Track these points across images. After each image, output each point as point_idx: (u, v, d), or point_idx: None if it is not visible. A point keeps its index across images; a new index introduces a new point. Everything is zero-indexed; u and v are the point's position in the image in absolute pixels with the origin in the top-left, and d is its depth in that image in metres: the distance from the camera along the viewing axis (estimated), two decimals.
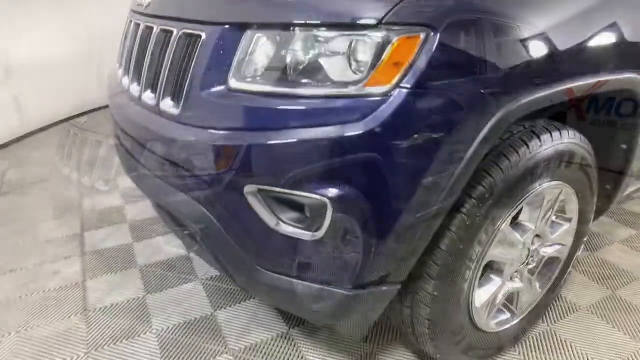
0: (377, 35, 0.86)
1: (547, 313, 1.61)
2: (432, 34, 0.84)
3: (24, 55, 3.21)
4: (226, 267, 1.12)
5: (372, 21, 0.85)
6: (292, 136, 0.90)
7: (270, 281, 1.06)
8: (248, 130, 0.95)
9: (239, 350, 1.40)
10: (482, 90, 0.89)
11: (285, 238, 0.99)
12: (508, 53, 0.91)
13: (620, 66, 1.15)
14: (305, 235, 0.96)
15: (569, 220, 1.36)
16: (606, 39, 1.11)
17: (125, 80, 1.42)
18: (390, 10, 0.85)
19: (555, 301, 1.67)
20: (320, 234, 0.95)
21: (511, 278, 1.30)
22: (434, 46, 0.84)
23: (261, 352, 1.40)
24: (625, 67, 1.16)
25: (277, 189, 0.94)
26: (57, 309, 1.58)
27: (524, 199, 1.13)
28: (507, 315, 1.37)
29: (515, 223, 1.24)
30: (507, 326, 1.36)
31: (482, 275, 1.24)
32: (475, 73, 0.88)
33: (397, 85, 0.86)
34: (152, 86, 1.21)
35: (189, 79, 1.05)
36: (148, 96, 1.22)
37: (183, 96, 1.06)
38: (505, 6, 0.94)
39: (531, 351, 1.45)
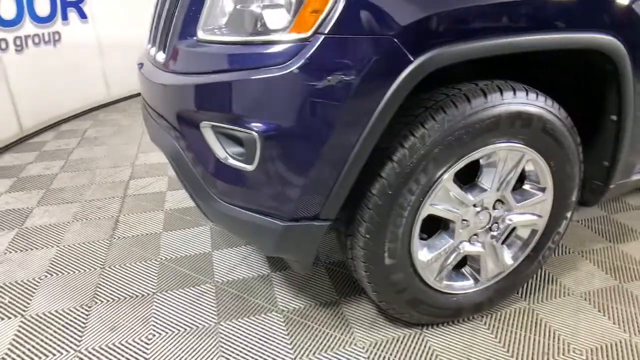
0: None
1: (530, 291, 1.56)
2: None
3: (113, 34, 3.74)
4: (193, 197, 1.31)
5: None
6: (230, 78, 1.04)
7: (225, 210, 1.22)
8: (200, 74, 1.12)
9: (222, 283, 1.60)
10: (395, 39, 0.94)
11: (232, 170, 1.14)
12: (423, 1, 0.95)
13: (584, 25, 1.10)
14: (244, 167, 1.10)
15: (543, 190, 1.31)
16: None
17: (147, 45, 1.67)
18: None
19: (548, 283, 1.60)
20: (254, 166, 1.08)
21: (470, 241, 1.30)
22: None
23: (241, 285, 1.58)
24: (592, 26, 1.10)
25: (221, 125, 1.09)
26: (95, 231, 1.92)
27: (467, 156, 1.14)
28: (470, 281, 1.37)
29: (472, 183, 1.25)
30: (468, 291, 1.37)
31: (431, 230, 1.29)
32: (389, 21, 0.93)
33: (316, 32, 0.95)
34: (159, 44, 1.43)
35: (172, 31, 1.25)
36: (156, 53, 1.45)
37: (167, 46, 1.26)
38: None
39: (500, 323, 1.42)
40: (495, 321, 1.44)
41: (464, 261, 1.37)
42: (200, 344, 1.34)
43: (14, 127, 2.92)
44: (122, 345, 1.34)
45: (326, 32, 0.94)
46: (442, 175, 1.14)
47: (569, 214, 1.40)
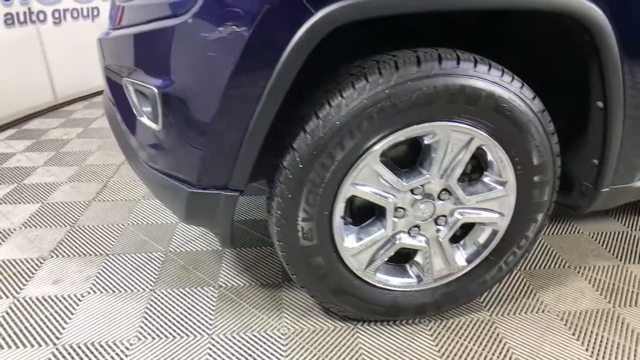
0: None
1: (498, 302, 1.37)
2: None
3: None
4: (128, 159, 1.29)
5: None
6: (137, 31, 1.01)
7: (146, 172, 1.19)
8: (119, 28, 1.10)
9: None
10: None
11: (147, 130, 1.10)
12: None
13: None
14: (153, 127, 1.06)
15: (503, 184, 1.13)
16: None
17: None
18: None
19: (523, 296, 1.40)
20: (159, 125, 1.03)
21: (410, 233, 1.15)
22: None
23: (191, 257, 1.56)
24: None
25: (134, 80, 1.06)
26: (79, 194, 2.00)
27: (396, 133, 0.99)
28: (413, 278, 1.22)
29: (412, 167, 1.10)
30: (409, 289, 1.22)
31: (360, 216, 1.16)
32: None
33: None
34: None
35: None
36: None
37: (114, 9, 1.25)
38: None
39: (448, 332, 1.26)
40: (443, 329, 1.27)
41: (410, 256, 1.23)
42: (127, 307, 1.33)
43: (49, 95, 3.15)
44: (57, 298, 1.36)
45: None
46: (365, 152, 1.01)
47: (539, 216, 1.19)
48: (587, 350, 1.21)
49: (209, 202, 1.07)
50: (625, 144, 1.15)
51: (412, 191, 1.10)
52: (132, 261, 1.55)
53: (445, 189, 1.12)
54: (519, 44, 1.22)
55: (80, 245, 1.63)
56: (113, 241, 1.67)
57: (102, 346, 1.19)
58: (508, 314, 1.34)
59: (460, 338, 1.25)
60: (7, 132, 2.79)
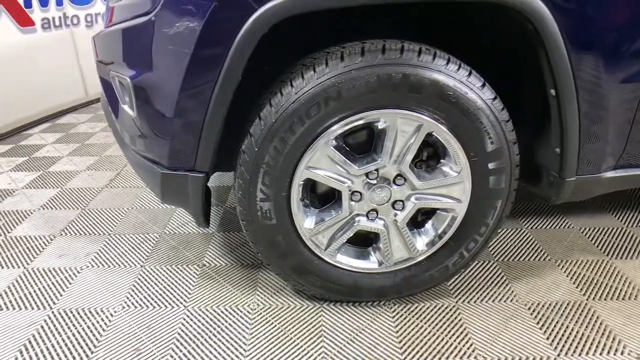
0: None
1: (467, 290, 1.39)
2: None
3: None
4: (118, 144, 1.43)
5: None
6: (116, 28, 1.13)
7: (130, 155, 1.32)
8: (108, 27, 1.22)
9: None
10: None
11: (128, 117, 1.22)
12: None
13: None
14: (130, 114, 1.18)
15: (458, 171, 1.15)
16: None
17: None
18: None
19: (494, 285, 1.41)
20: (135, 113, 1.15)
21: (368, 216, 1.20)
22: None
23: (183, 239, 1.68)
24: None
25: (116, 72, 1.18)
26: (95, 180, 2.18)
27: (345, 120, 1.05)
28: (374, 260, 1.27)
29: (367, 153, 1.15)
30: (369, 271, 1.27)
31: (323, 200, 1.22)
32: None
33: None
34: None
35: None
36: None
37: (107, 10, 1.39)
38: None
39: (410, 315, 1.30)
40: (406, 312, 1.31)
41: (373, 239, 1.28)
42: (118, 279, 1.46)
43: (81, 93, 3.42)
44: (59, 270, 1.52)
45: None
46: (316, 137, 1.08)
47: (498, 204, 1.20)
48: (548, 339, 1.21)
49: (179, 183, 1.18)
50: (586, 132, 1.14)
51: (367, 176, 1.16)
52: (130, 240, 1.69)
53: (399, 175, 1.16)
54: (484, 36, 1.25)
55: (87, 226, 1.80)
56: (117, 222, 1.82)
57: (90, 312, 1.33)
58: (475, 302, 1.36)
59: (421, 322, 1.29)
60: (43, 125, 3.07)
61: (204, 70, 1.00)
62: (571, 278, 1.46)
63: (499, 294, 1.39)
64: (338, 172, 1.14)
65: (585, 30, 1.01)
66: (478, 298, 1.37)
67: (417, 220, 1.28)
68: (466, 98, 1.06)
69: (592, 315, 1.30)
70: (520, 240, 1.66)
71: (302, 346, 1.21)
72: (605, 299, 1.36)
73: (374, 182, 1.16)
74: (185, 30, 0.97)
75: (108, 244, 1.68)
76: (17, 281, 1.47)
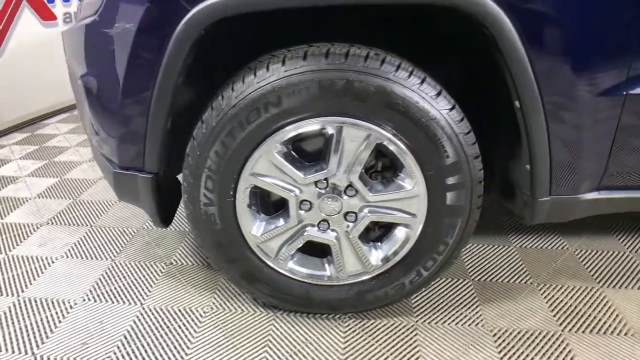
0: None
1: (429, 311, 1.31)
2: None
3: None
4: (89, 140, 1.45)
5: None
6: (74, 26, 1.14)
7: (93, 151, 1.34)
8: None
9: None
10: None
11: (85, 113, 1.23)
12: None
13: None
14: (87, 110, 1.19)
15: (412, 186, 1.08)
16: None
17: None
18: None
19: (462, 308, 1.32)
20: (89, 110, 1.15)
21: (319, 227, 1.15)
22: None
23: (158, 235, 1.69)
24: None
25: (71, 70, 1.19)
26: (94, 172, 2.25)
27: (288, 127, 1.01)
28: (326, 272, 1.22)
29: (316, 162, 1.10)
30: (321, 283, 1.22)
31: (275, 207, 1.18)
32: None
33: None
34: None
35: None
36: None
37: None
38: None
39: (364, 332, 1.23)
40: (359, 328, 1.25)
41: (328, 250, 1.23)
42: (86, 272, 1.49)
43: None
44: (36, 258, 1.57)
45: None
46: (259, 143, 1.04)
47: (458, 222, 1.12)
48: None
49: (129, 182, 1.18)
50: (557, 149, 1.04)
51: (316, 185, 1.11)
52: (108, 233, 1.72)
53: (350, 185, 1.11)
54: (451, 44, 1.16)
55: (73, 217, 1.85)
56: (101, 215, 1.86)
57: (52, 303, 1.37)
58: (436, 323, 1.27)
59: (372, 339, 1.22)
60: (61, 115, 3.21)
61: (142, 72, 0.99)
62: (550, 305, 1.34)
63: (465, 317, 1.30)
64: (284, 179, 1.09)
65: (550, 38, 0.91)
66: (441, 319, 1.29)
67: (373, 233, 1.22)
68: (417, 107, 0.99)
69: (563, 350, 1.18)
70: (503, 259, 1.55)
71: (243, 354, 1.18)
72: (583, 332, 1.24)
73: (324, 191, 1.11)
74: (123, 32, 0.97)
75: (87, 236, 1.72)
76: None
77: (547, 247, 1.61)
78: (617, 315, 1.29)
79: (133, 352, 1.19)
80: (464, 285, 1.43)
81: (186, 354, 1.18)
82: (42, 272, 1.51)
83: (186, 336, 1.24)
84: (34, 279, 1.47)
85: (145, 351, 1.19)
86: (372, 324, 1.28)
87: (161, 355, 1.18)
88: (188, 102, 1.17)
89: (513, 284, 1.43)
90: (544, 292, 1.40)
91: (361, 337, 1.23)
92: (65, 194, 2.05)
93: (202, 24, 0.92)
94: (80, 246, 1.65)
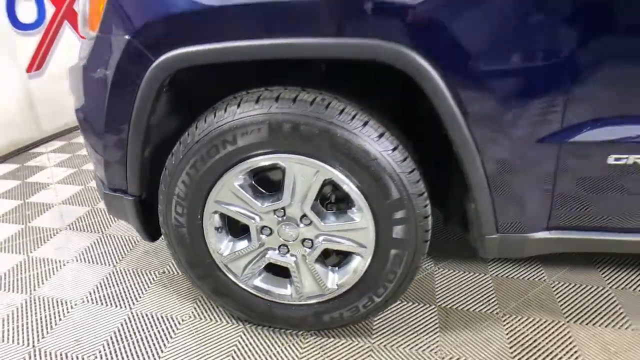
0: None
1: (387, 334, 1.37)
2: None
3: None
4: None
5: None
6: (73, 65, 1.31)
7: (93, 173, 1.51)
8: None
9: None
10: (135, 39, 1.03)
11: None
12: (152, 8, 1.00)
13: (354, 30, 0.93)
14: (82, 139, 1.36)
15: (360, 219, 1.15)
16: None
17: None
18: None
19: (420, 333, 1.37)
20: (84, 139, 1.32)
21: (279, 250, 1.25)
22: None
23: (148, 243, 1.85)
24: (365, 31, 0.92)
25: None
26: None
27: (245, 162, 1.12)
28: (288, 291, 1.32)
29: (274, 192, 1.20)
30: (283, 302, 1.32)
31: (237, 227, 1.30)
32: (131, 23, 1.03)
33: (99, 30, 1.12)
34: None
35: None
36: None
37: None
38: None
39: (321, 350, 1.32)
40: (317, 346, 1.34)
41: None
42: (89, 276, 1.68)
43: None
44: (50, 260, 1.78)
45: (99, 31, 1.11)
46: (221, 175, 1.16)
47: (405, 254, 1.18)
48: None
49: (117, 202, 1.34)
50: (498, 191, 1.08)
51: (275, 213, 1.21)
52: (116, 241, 1.92)
53: (305, 215, 1.20)
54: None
55: (88, 223, 2.07)
56: (112, 223, 2.07)
57: (57, 302, 1.56)
58: (392, 346, 1.34)
59: (327, 358, 1.31)
60: None
61: (119, 110, 1.14)
62: (510, 337, 1.36)
63: (421, 342, 1.35)
64: (245, 207, 1.21)
65: (477, 89, 0.96)
66: (397, 343, 1.35)
67: (331, 259, 1.30)
68: (359, 149, 1.07)
69: None
70: (476, 287, 1.58)
71: None
72: None
73: (282, 219, 1.22)
74: (103, 76, 1.12)
75: (97, 242, 1.92)
76: (16, 266, 1.77)
77: (524, 278, 1.62)
78: (575, 352, 1.30)
79: (115, 352, 1.35)
80: (429, 310, 1.48)
81: (159, 357, 1.33)
82: (54, 274, 1.72)
83: (162, 341, 1.39)
84: (46, 279, 1.68)
85: (125, 352, 1.35)
86: (331, 342, 1.36)
87: (138, 357, 1.33)
88: (175, 131, 1.31)
89: (478, 313, 1.46)
90: (508, 323, 1.42)
91: (318, 354, 1.32)
92: (86, 201, 2.28)
93: (165, 73, 1.05)
94: (90, 251, 1.85)
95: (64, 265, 1.78)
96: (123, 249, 1.86)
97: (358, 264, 1.23)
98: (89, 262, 1.78)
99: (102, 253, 1.84)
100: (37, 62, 3.20)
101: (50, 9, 3.25)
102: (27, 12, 3.08)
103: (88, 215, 2.14)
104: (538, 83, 0.95)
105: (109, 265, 1.76)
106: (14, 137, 3.02)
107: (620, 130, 0.97)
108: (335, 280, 1.28)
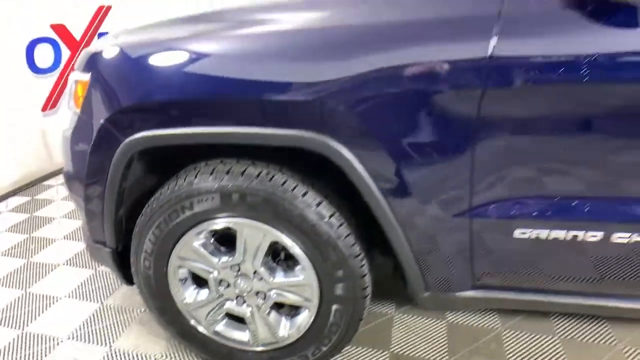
0: (72, 78, 1.37)
1: None
2: (89, 77, 1.24)
3: None
4: None
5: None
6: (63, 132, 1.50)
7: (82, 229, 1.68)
8: None
9: None
10: (108, 122, 1.21)
11: None
12: (123, 95, 1.17)
13: (286, 122, 1.08)
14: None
15: (304, 275, 1.28)
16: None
17: None
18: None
19: None
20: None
21: (236, 301, 1.39)
22: (89, 85, 1.24)
23: None
24: (294, 123, 1.08)
25: None
26: None
27: (203, 223, 1.28)
28: (246, 338, 1.44)
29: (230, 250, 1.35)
30: (241, 347, 1.45)
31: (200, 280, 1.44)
32: (103, 108, 1.21)
33: (80, 111, 1.31)
34: None
35: None
36: None
37: None
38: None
39: None
40: None
41: None
42: (78, 312, 1.84)
43: None
44: (45, 296, 1.95)
45: (81, 111, 1.30)
46: (181, 235, 1.31)
47: (348, 308, 1.30)
48: None
49: (98, 253, 1.51)
50: (421, 256, 1.20)
51: (231, 268, 1.35)
52: (106, 277, 2.09)
53: (256, 271, 1.34)
54: None
55: (84, 260, 2.24)
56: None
57: (45, 338, 1.72)
58: None
59: None
60: None
61: (95, 177, 1.32)
62: None
63: None
64: (204, 263, 1.36)
65: (390, 171, 1.10)
66: None
67: (285, 310, 1.43)
68: (299, 215, 1.21)
69: None
70: (429, 333, 1.66)
71: None
72: None
73: (237, 274, 1.36)
74: (83, 148, 1.30)
75: (90, 278, 2.09)
76: (14, 301, 1.95)
77: (478, 325, 1.71)
78: None
79: None
80: (381, 356, 1.58)
81: None
82: (47, 309, 1.89)
83: None
84: (39, 315, 1.86)
85: None
86: None
87: None
88: (149, 192, 1.48)
89: (426, 359, 1.56)
90: None
91: None
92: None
93: (133, 150, 1.23)
94: (82, 287, 2.02)
95: (57, 300, 1.95)
96: (112, 286, 2.02)
97: (306, 316, 1.36)
98: (80, 299, 1.95)
99: (92, 289, 2.01)
100: (52, 102, 3.48)
101: (65, 53, 3.54)
102: (44, 56, 3.38)
103: (85, 252, 2.33)
104: (443, 167, 1.08)
105: (97, 301, 1.93)
106: (29, 169, 3.27)
107: (521, 207, 1.08)
108: (286, 329, 1.41)
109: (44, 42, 3.38)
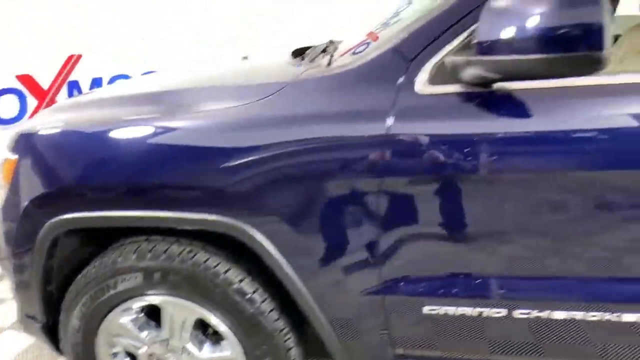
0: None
1: None
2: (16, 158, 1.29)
3: None
4: None
5: None
6: None
7: None
8: None
9: None
10: (29, 202, 1.25)
11: None
12: (45, 178, 1.22)
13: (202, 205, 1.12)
14: None
15: (232, 350, 1.29)
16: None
17: None
18: None
19: None
20: None
21: None
22: (15, 166, 1.28)
23: None
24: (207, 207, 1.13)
25: None
26: None
27: (131, 300, 1.29)
28: None
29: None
30: None
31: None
32: (27, 193, 1.25)
33: (9, 190, 1.33)
34: None
35: None
36: None
37: None
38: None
39: None
40: None
41: None
42: None
43: None
44: None
45: (9, 190, 1.33)
46: (108, 311, 1.32)
47: None
48: None
49: (30, 325, 1.50)
50: (340, 328, 1.22)
51: (160, 342, 1.36)
52: None
53: (185, 345, 1.34)
54: None
55: None
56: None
57: None
58: None
59: None
60: None
61: (23, 255, 1.33)
62: None
63: None
64: (132, 338, 1.36)
65: (303, 254, 1.14)
66: None
67: None
68: (221, 293, 1.22)
69: None
70: None
71: None
72: None
73: (167, 348, 1.36)
74: (11, 226, 1.32)
75: (33, 345, 2.03)
76: None
77: None
78: None
79: None
80: None
81: None
82: None
83: None
84: None
85: None
86: None
87: None
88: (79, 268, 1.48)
89: None
90: None
91: None
92: None
93: (57, 231, 1.25)
94: (24, 355, 1.97)
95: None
96: (54, 354, 1.98)
97: None
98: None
99: (34, 357, 1.96)
100: None
101: (32, 103, 3.58)
102: (10, 107, 3.40)
103: None
104: (350, 244, 1.12)
105: None
106: None
107: (427, 285, 1.13)
108: None
109: (9, 93, 3.42)
